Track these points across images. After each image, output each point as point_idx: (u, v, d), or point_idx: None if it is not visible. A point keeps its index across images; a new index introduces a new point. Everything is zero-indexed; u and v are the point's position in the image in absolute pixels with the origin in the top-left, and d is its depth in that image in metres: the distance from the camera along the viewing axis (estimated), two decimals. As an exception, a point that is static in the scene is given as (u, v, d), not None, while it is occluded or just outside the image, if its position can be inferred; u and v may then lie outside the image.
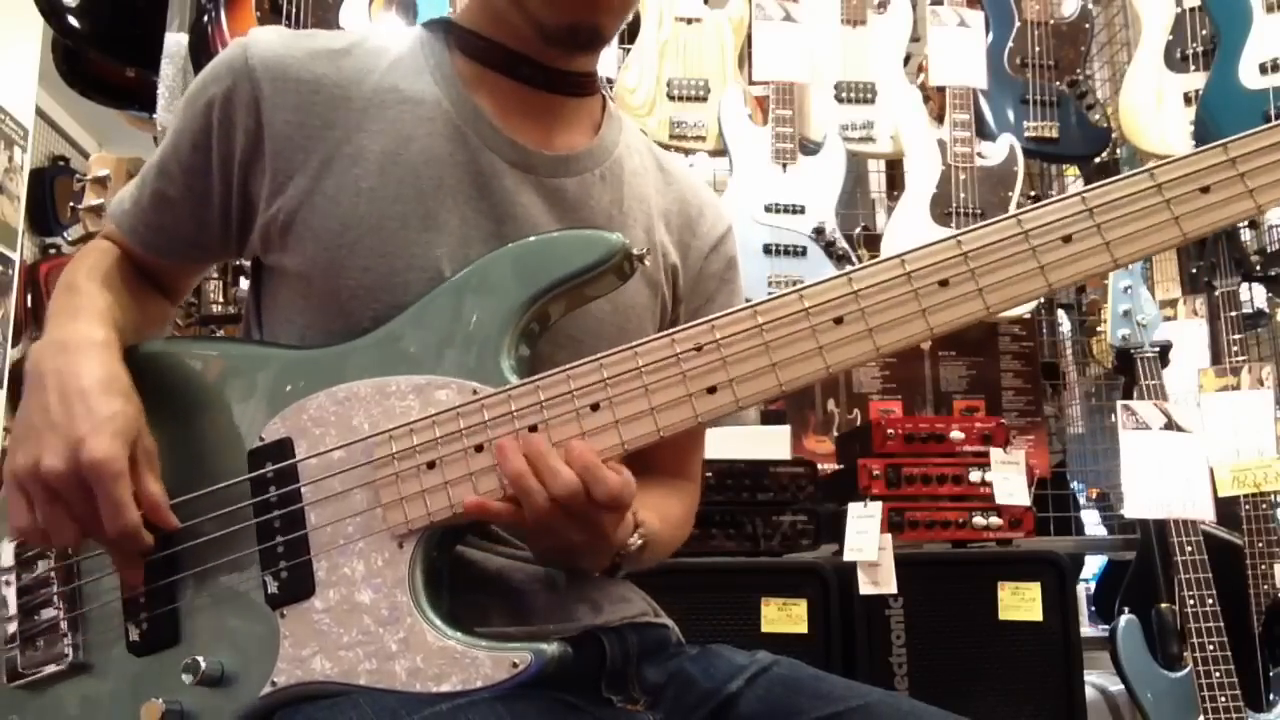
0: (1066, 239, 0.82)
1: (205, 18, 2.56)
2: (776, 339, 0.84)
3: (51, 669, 0.94)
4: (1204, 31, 2.57)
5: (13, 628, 0.96)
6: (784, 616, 2.02)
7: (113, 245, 1.07)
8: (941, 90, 2.65)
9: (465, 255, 0.95)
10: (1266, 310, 2.87)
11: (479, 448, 0.86)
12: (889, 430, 2.19)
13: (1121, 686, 2.16)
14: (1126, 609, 2.19)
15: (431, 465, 0.86)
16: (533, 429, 0.85)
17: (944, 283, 0.82)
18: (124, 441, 0.87)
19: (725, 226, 1.17)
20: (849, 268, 0.86)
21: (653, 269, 1.07)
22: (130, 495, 0.86)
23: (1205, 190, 0.81)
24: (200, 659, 0.87)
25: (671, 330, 0.86)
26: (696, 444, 1.18)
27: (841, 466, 2.38)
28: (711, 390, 0.84)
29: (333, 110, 0.97)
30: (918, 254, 0.83)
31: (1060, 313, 3.14)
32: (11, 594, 0.97)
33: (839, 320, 0.83)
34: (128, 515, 0.86)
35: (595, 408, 0.85)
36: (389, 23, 2.59)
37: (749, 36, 2.67)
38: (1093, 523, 3.22)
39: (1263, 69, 2.45)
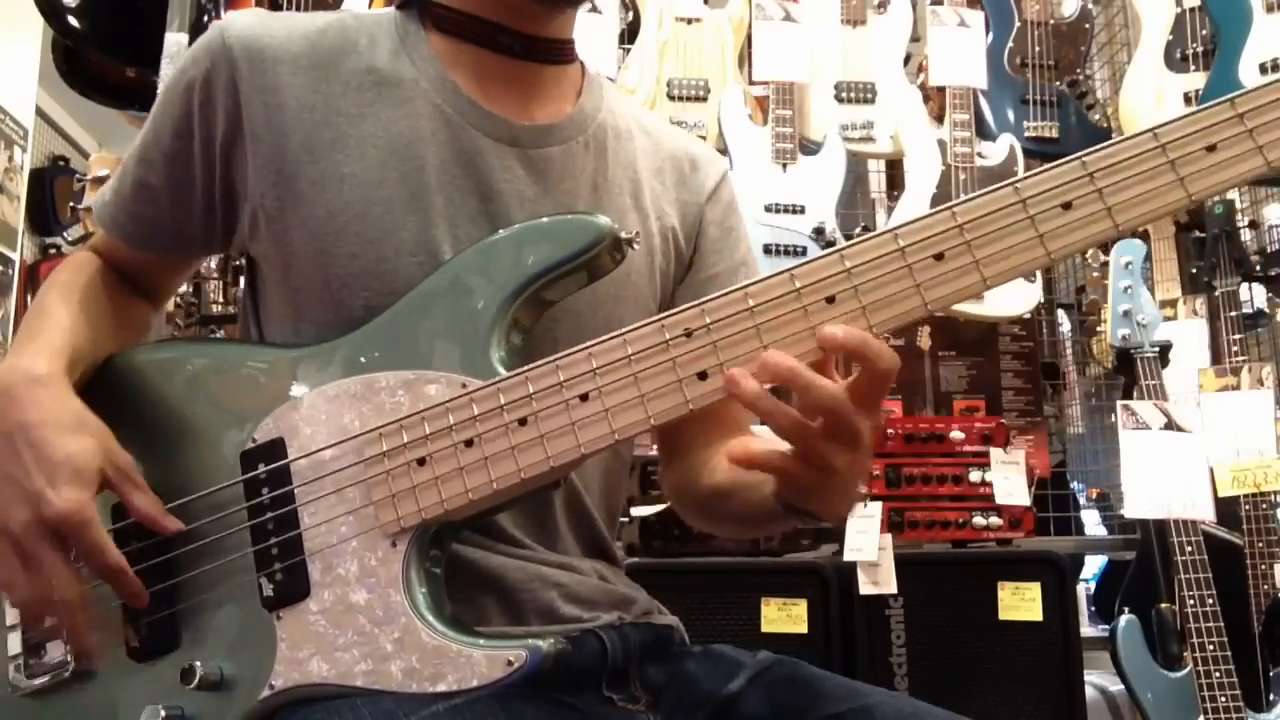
0: (1067, 205, 0.78)
1: (205, 18, 2.55)
2: (768, 321, 0.81)
3: (54, 677, 0.93)
4: (1204, 31, 2.57)
5: (16, 636, 0.96)
6: (784, 616, 2.02)
7: (91, 256, 1.07)
8: (941, 90, 2.64)
9: (454, 235, 0.95)
10: (1266, 310, 2.87)
11: (468, 442, 0.85)
12: (889, 430, 2.19)
13: (1121, 686, 2.16)
14: (1126, 609, 2.18)
15: (422, 462, 0.86)
16: (522, 422, 0.84)
17: (939, 256, 0.79)
18: (85, 481, 0.85)
19: (719, 173, 1.15)
20: (841, 244, 0.83)
21: (645, 236, 1.06)
22: (104, 538, 0.85)
23: (1211, 149, 0.77)
24: (198, 664, 0.86)
25: (661, 315, 0.84)
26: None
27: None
28: (703, 376, 0.82)
29: (310, 93, 0.96)
30: (911, 227, 0.80)
31: (1060, 313, 3.14)
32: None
33: (831, 299, 0.81)
34: (108, 558, 0.85)
35: (585, 398, 0.84)
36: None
37: (749, 36, 2.66)
38: (1093, 523, 3.22)
39: (1263, 69, 2.45)
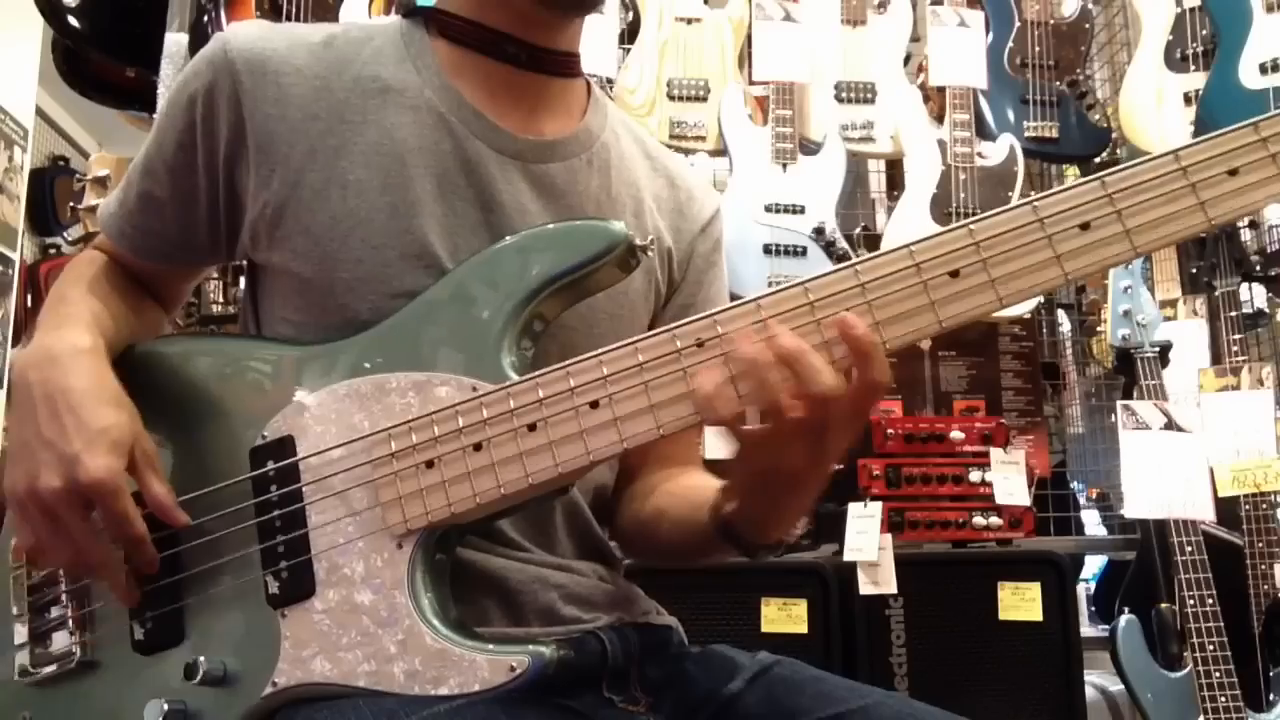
0: (1085, 226, 0.78)
1: (205, 18, 2.55)
2: None
3: (60, 666, 0.94)
4: (1204, 31, 2.57)
5: (23, 625, 0.97)
6: (784, 616, 2.02)
7: (101, 255, 1.07)
8: (941, 90, 2.64)
9: (454, 244, 0.95)
10: (1266, 310, 2.87)
11: (477, 446, 0.85)
12: (889, 430, 2.19)
13: (1121, 686, 2.16)
14: (1126, 609, 2.19)
15: (430, 464, 0.86)
16: (531, 427, 0.84)
17: (955, 274, 0.79)
18: (120, 453, 0.87)
19: (713, 208, 1.16)
20: (855, 258, 0.82)
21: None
22: (133, 507, 0.87)
23: (1233, 173, 0.76)
24: (202, 659, 0.87)
25: (673, 325, 0.83)
26: (699, 433, 1.17)
27: (841, 466, 2.38)
28: None
29: (314, 102, 0.96)
30: (927, 244, 0.80)
31: (1060, 313, 3.14)
32: (22, 592, 0.98)
33: None
34: (133, 528, 0.87)
35: (595, 405, 0.83)
36: (389, 23, 2.59)
37: (749, 36, 2.66)
38: (1093, 523, 3.22)
39: (1263, 69, 2.45)
